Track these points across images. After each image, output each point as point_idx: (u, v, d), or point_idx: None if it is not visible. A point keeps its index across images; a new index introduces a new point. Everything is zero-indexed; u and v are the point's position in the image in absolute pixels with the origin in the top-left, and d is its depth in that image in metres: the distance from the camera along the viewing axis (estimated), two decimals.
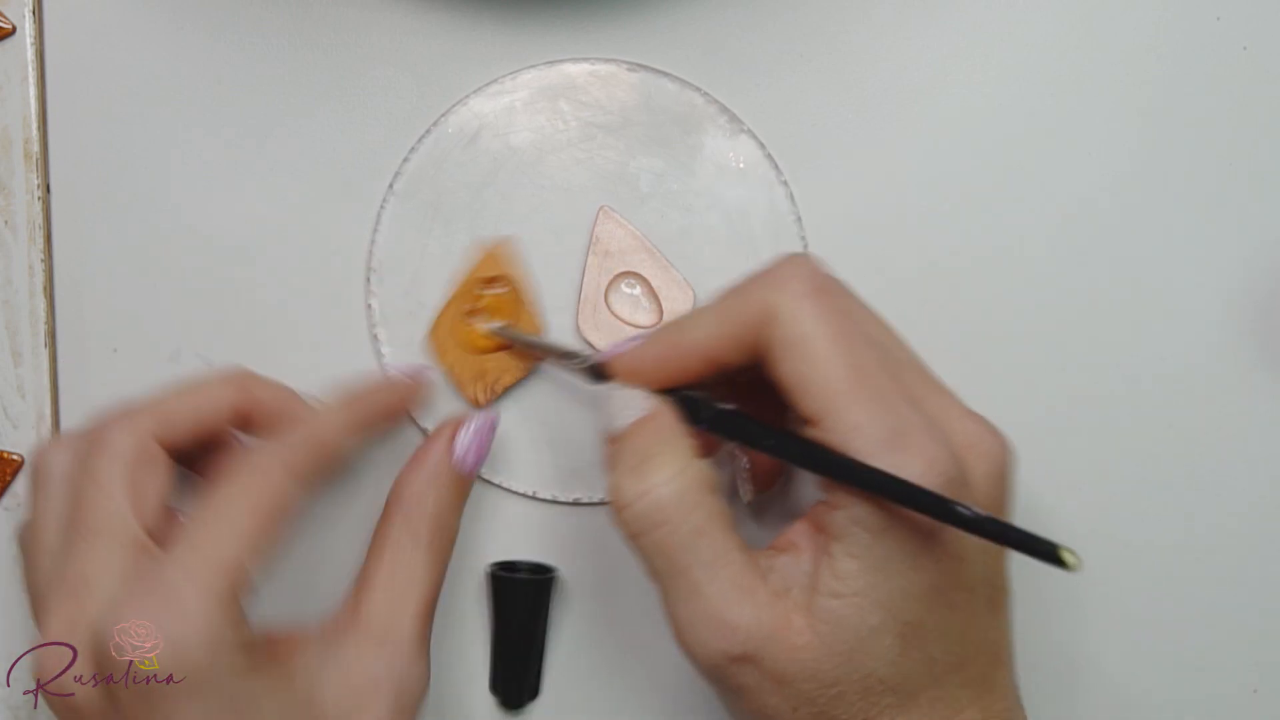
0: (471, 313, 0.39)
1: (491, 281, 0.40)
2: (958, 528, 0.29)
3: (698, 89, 0.40)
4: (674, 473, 0.31)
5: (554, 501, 0.40)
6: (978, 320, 0.40)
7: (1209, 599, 0.40)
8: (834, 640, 0.30)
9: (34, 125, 0.40)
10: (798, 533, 0.32)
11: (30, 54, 0.41)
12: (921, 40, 0.41)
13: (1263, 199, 0.40)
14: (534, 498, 0.40)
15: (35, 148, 0.40)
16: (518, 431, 0.40)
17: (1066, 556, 0.27)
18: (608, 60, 0.40)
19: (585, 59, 0.40)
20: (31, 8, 0.41)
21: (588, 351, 0.37)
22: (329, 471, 0.34)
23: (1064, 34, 0.41)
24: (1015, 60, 0.41)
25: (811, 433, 0.30)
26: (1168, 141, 0.40)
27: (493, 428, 0.37)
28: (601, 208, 0.40)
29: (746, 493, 0.37)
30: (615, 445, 0.32)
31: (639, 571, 0.40)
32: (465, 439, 0.36)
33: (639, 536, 0.31)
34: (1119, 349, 0.40)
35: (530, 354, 0.39)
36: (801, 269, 0.32)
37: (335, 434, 0.35)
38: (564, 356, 0.37)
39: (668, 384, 0.33)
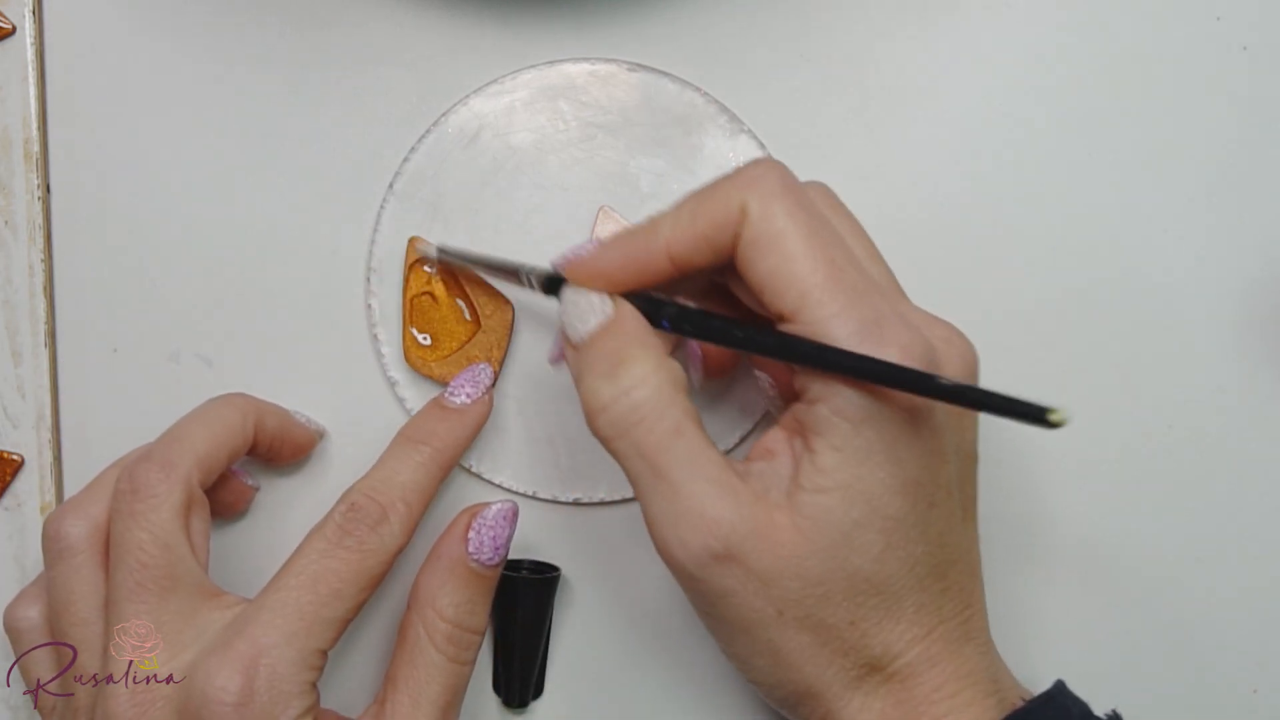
0: (419, 322, 0.40)
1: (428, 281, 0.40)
2: (940, 399, 0.29)
3: (698, 89, 0.40)
4: (648, 372, 0.31)
5: (554, 501, 0.40)
6: (978, 320, 0.40)
7: (1209, 599, 0.40)
8: (818, 535, 0.30)
9: (34, 125, 0.40)
10: (773, 439, 0.32)
11: (30, 54, 0.41)
12: (921, 41, 0.41)
13: (1262, 199, 0.40)
14: (534, 498, 0.40)
15: (35, 148, 0.40)
16: (518, 431, 0.40)
17: (1053, 416, 0.26)
18: (607, 60, 0.40)
19: (585, 59, 0.40)
20: (31, 8, 0.41)
21: (532, 264, 0.36)
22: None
23: (1064, 34, 0.41)
24: (1015, 60, 0.41)
25: (787, 328, 0.30)
26: (1168, 141, 0.40)
27: (511, 516, 0.36)
28: (602, 208, 0.40)
29: (697, 379, 0.37)
30: (583, 352, 0.32)
31: (640, 570, 0.40)
32: (479, 532, 0.35)
33: (617, 439, 0.31)
34: (1119, 349, 0.40)
35: (478, 272, 0.39)
36: (772, 171, 0.32)
37: None
38: (514, 272, 0.36)
39: (630, 286, 0.33)
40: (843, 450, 0.30)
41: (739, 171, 0.32)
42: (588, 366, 0.32)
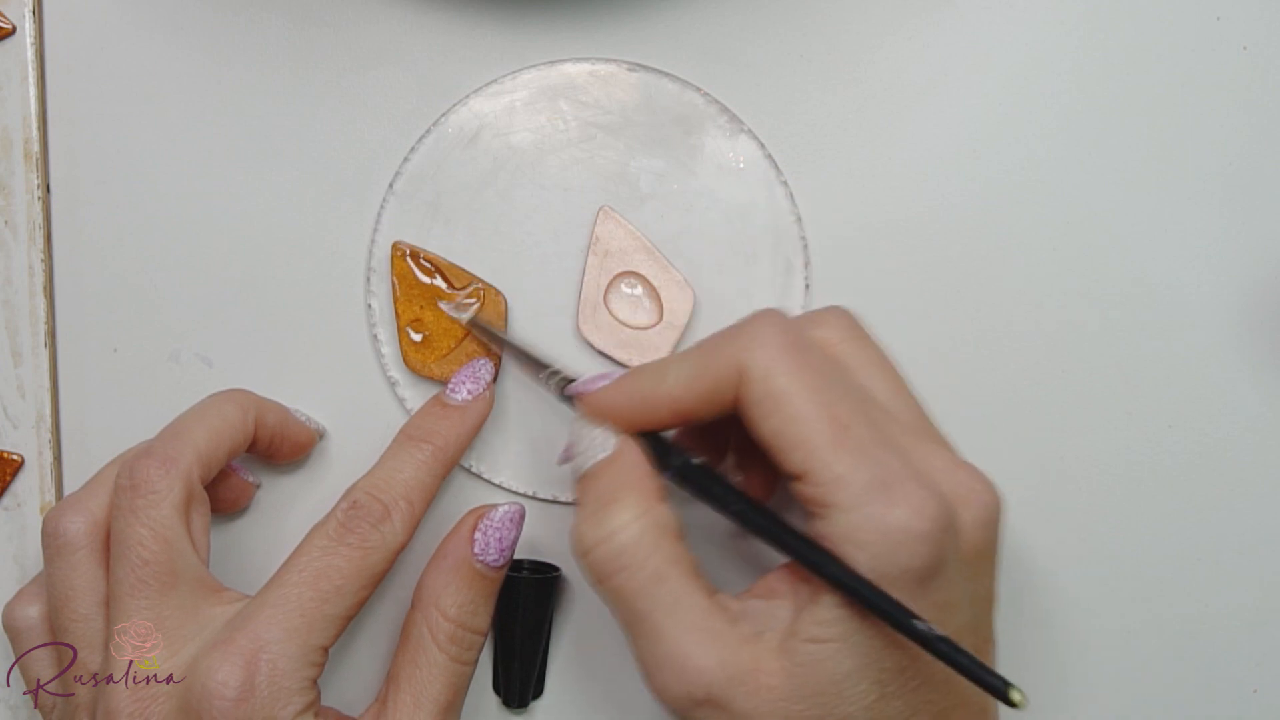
0: (415, 322, 0.40)
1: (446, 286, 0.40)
2: (909, 638, 0.29)
3: (698, 89, 0.40)
4: (632, 518, 0.31)
5: (554, 501, 0.40)
6: (978, 320, 0.40)
7: (1209, 599, 0.40)
8: (805, 683, 0.29)
9: (34, 125, 0.40)
10: (778, 579, 0.32)
11: (30, 54, 0.41)
12: (921, 40, 0.41)
13: (1263, 199, 0.40)
14: (534, 498, 0.40)
15: (35, 148, 0.40)
16: (517, 431, 0.40)
17: (1015, 696, 0.27)
18: (608, 60, 0.40)
19: (585, 59, 0.40)
20: (31, 8, 0.41)
21: (558, 366, 0.37)
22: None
23: (1063, 34, 0.41)
24: (1015, 60, 0.41)
25: (797, 488, 0.30)
26: (1168, 141, 0.40)
27: (517, 519, 0.36)
28: (602, 208, 0.40)
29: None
30: (580, 486, 0.33)
31: None
32: (486, 533, 0.36)
33: (601, 582, 0.31)
34: (1119, 349, 0.40)
35: (501, 351, 0.39)
36: (770, 326, 0.31)
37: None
38: (535, 365, 0.37)
39: (635, 429, 0.33)
40: (847, 607, 0.29)
41: (738, 328, 0.32)
42: (580, 504, 0.32)
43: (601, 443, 0.33)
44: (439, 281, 0.40)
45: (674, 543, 0.31)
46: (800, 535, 0.30)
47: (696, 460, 0.33)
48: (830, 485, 0.29)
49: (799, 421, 0.30)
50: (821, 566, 0.29)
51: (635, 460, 0.32)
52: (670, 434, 0.34)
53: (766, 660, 0.30)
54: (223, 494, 0.39)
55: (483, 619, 0.36)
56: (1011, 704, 0.27)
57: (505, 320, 0.40)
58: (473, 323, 0.39)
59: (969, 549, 0.31)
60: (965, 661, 0.28)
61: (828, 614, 0.30)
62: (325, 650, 0.33)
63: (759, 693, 0.30)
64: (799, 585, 0.31)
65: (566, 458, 0.34)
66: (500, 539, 0.35)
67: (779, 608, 0.31)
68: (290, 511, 0.40)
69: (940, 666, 0.29)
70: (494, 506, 0.36)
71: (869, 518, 0.29)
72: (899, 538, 0.29)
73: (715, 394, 0.31)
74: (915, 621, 0.28)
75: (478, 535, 0.35)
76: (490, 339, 0.39)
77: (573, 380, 0.35)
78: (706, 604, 0.31)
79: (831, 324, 0.34)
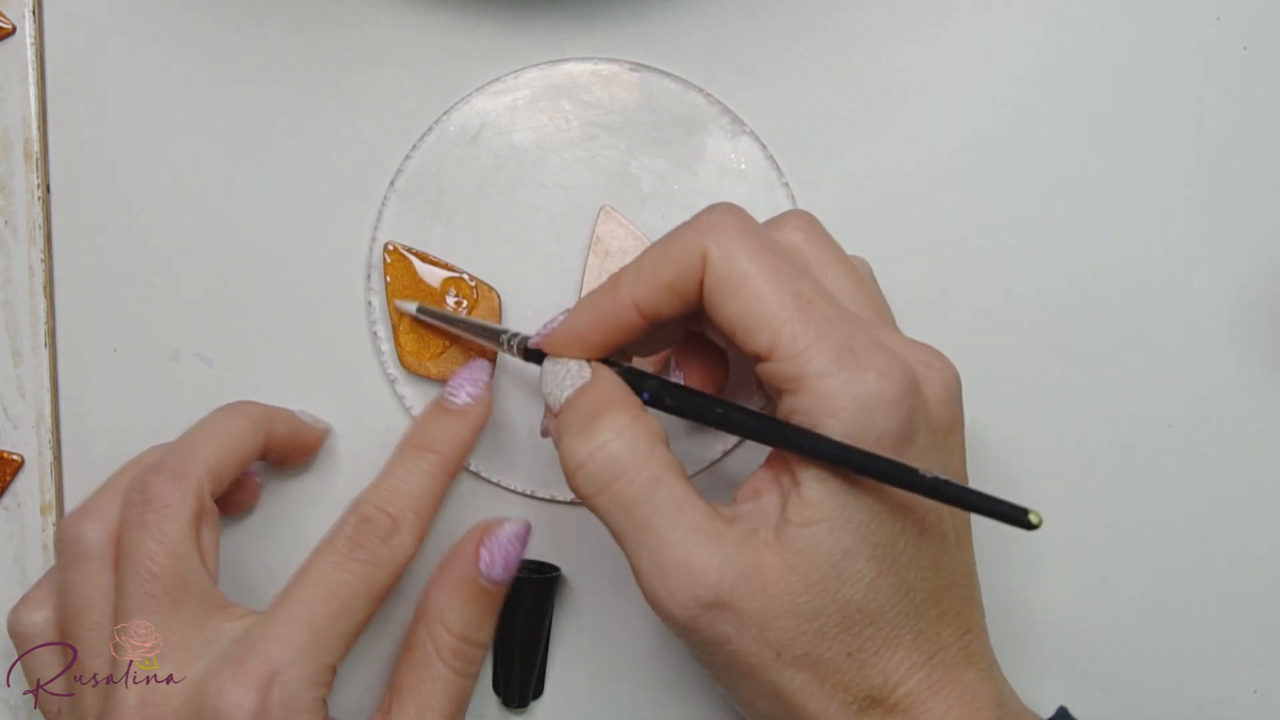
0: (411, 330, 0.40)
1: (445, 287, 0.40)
2: (917, 493, 0.28)
3: (700, 90, 0.40)
4: (624, 425, 0.31)
5: (554, 501, 0.40)
6: (977, 319, 0.40)
7: (1209, 599, 0.40)
8: (808, 569, 0.29)
9: (34, 125, 0.40)
10: (760, 479, 0.32)
11: (30, 54, 0.41)
12: (921, 41, 0.41)
13: (1262, 199, 0.40)
14: (534, 497, 0.40)
15: (35, 148, 0.40)
16: (517, 430, 0.40)
17: (1032, 518, 0.27)
18: (610, 60, 0.40)
19: (588, 58, 0.40)
20: (31, 8, 0.41)
21: (514, 329, 0.36)
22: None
23: (1063, 34, 0.41)
24: (1014, 60, 0.41)
25: (766, 369, 0.30)
26: (1168, 141, 0.41)
27: (523, 536, 0.36)
28: (603, 207, 0.40)
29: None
30: (562, 414, 0.32)
31: None
32: (491, 550, 0.35)
33: (596, 495, 0.31)
34: (1119, 349, 0.40)
35: (455, 332, 0.39)
36: (729, 214, 0.31)
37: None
38: (490, 334, 0.37)
39: (605, 347, 0.33)
40: (828, 482, 0.30)
41: (696, 218, 0.32)
42: (565, 426, 0.32)
43: (575, 373, 0.32)
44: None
45: (666, 449, 0.31)
46: (786, 424, 0.30)
47: (669, 379, 0.33)
48: (800, 357, 0.29)
49: (763, 299, 0.30)
50: (816, 447, 0.29)
51: (613, 380, 0.32)
52: (644, 365, 0.34)
53: (766, 555, 0.30)
54: (231, 497, 0.39)
55: (486, 633, 0.36)
56: (1031, 526, 0.26)
57: (499, 317, 0.40)
58: (421, 309, 0.39)
59: (935, 423, 0.31)
60: (974, 499, 0.27)
61: (812, 493, 0.30)
62: (334, 669, 0.33)
63: (765, 589, 0.29)
64: (781, 476, 0.31)
65: (545, 431, 0.34)
66: (505, 556, 0.35)
67: (767, 504, 0.31)
68: (293, 512, 0.40)
69: (927, 541, 0.30)
70: (499, 523, 0.36)
71: (842, 383, 0.29)
72: (871, 402, 0.29)
73: (677, 285, 0.31)
74: (919, 471, 0.28)
75: (483, 551, 0.35)
76: (442, 322, 0.39)
77: (530, 340, 0.34)
78: (704, 507, 0.31)
79: (793, 225, 0.34)
